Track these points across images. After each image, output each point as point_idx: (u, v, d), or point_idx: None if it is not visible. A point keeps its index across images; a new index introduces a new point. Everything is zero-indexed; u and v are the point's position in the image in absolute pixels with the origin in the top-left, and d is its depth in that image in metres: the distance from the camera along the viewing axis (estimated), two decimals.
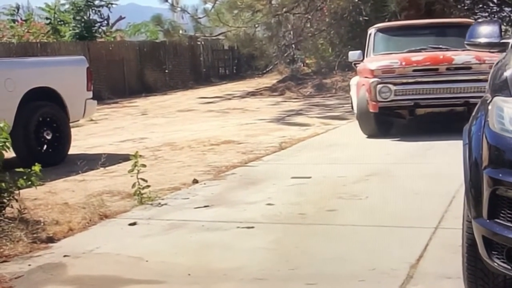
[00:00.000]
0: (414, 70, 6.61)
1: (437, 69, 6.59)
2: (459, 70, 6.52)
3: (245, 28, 14.72)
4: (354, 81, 8.06)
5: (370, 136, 6.87)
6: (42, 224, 3.85)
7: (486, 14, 14.63)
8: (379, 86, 6.51)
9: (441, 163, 5.25)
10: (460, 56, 6.57)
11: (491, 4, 14.81)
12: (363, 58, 7.62)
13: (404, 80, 6.55)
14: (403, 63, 6.68)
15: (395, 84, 6.51)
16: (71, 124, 6.85)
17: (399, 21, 9.10)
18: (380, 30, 7.63)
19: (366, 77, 6.88)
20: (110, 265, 3.21)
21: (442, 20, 8.29)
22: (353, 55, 7.75)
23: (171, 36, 16.57)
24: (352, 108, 8.10)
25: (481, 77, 6.01)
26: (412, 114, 6.81)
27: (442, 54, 6.85)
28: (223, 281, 2.89)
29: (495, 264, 2.06)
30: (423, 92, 6.54)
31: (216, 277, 2.94)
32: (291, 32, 15.33)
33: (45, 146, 6.37)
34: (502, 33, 2.89)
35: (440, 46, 7.17)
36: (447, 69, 6.58)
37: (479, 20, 12.80)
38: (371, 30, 7.83)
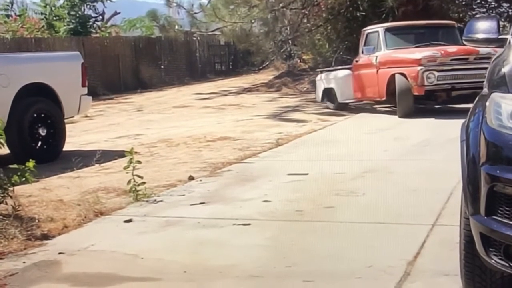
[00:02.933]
0: (452, 60, 8.07)
1: (467, 59, 8.03)
2: (483, 59, 7.64)
3: (242, 24, 14.66)
4: (319, 77, 10.34)
5: (406, 116, 8.15)
6: (36, 221, 3.83)
7: (484, 9, 14.62)
8: (426, 72, 7.90)
9: (439, 159, 5.25)
10: (483, 49, 7.55)
11: (489, 0, 14.80)
12: (360, 54, 9.36)
13: (444, 68, 7.99)
14: (443, 53, 8.15)
15: (438, 71, 7.95)
16: (65, 120, 6.80)
17: (400, 22, 10.18)
18: (387, 29, 9.15)
19: (407, 66, 8.18)
20: (105, 262, 3.19)
21: (434, 21, 9.78)
22: (368, 49, 9.17)
23: (167, 31, 16.49)
24: (323, 99, 10.24)
25: (482, 66, 7.37)
26: (449, 96, 8.20)
27: (469, 47, 7.97)
28: (219, 278, 2.88)
29: (493, 261, 2.05)
30: (458, 77, 7.99)
31: (212, 274, 2.93)
32: (288, 28, 15.27)
33: (39, 143, 6.33)
34: (500, 28, 2.87)
35: (440, 42, 8.85)
36: (475, 59, 7.97)
37: (477, 15, 12.82)
38: (375, 30, 9.33)
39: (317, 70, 11.28)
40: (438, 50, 8.31)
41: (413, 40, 8.98)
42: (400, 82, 8.20)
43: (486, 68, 7.29)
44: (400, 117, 8.21)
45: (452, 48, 8.31)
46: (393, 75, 8.37)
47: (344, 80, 9.72)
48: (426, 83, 7.92)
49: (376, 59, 8.86)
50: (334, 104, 9.92)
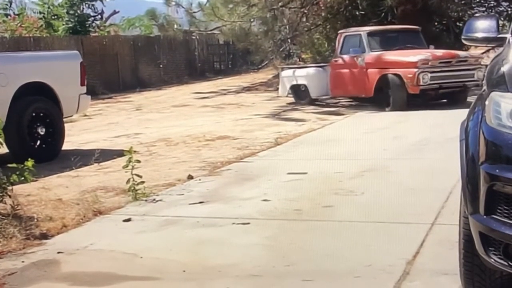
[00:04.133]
0: (440, 62, 9.20)
1: (451, 62, 9.29)
2: (462, 62, 9.27)
3: (241, 23, 14.66)
4: (285, 73, 11.16)
5: (400, 110, 9.04)
6: (35, 220, 3.82)
7: (483, 8, 14.62)
8: (422, 74, 8.95)
9: (438, 158, 5.25)
10: (462, 53, 9.57)
11: None
12: (338, 54, 10.33)
13: (435, 69, 9.08)
14: (433, 57, 9.27)
15: (430, 72, 9.01)
16: (64, 120, 6.80)
17: (379, 26, 11.14)
18: (369, 33, 10.06)
19: (402, 68, 9.17)
20: (104, 261, 3.19)
21: (405, 26, 10.83)
22: (356, 51, 9.94)
23: (166, 30, 16.48)
24: (292, 94, 11.00)
25: (471, 67, 9.28)
26: (437, 94, 9.38)
27: (451, 51, 9.72)
28: (219, 278, 2.87)
29: (492, 260, 2.05)
30: (444, 77, 9.14)
31: (211, 273, 2.92)
32: (287, 27, 15.25)
33: (38, 142, 6.33)
34: (499, 27, 2.87)
35: (411, 45, 9.94)
36: (456, 61, 9.28)
37: (476, 14, 12.80)
38: (356, 33, 10.19)
39: (279, 67, 12.02)
40: (428, 54, 9.37)
41: (390, 43, 9.96)
42: (394, 82, 9.19)
43: (464, 70, 8.45)
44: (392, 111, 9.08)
45: (439, 52, 9.52)
46: (384, 75, 9.34)
47: (316, 77, 10.55)
48: (421, 83, 8.96)
49: (362, 60, 9.73)
50: (304, 99, 10.71)
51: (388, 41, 9.99)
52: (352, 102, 10.60)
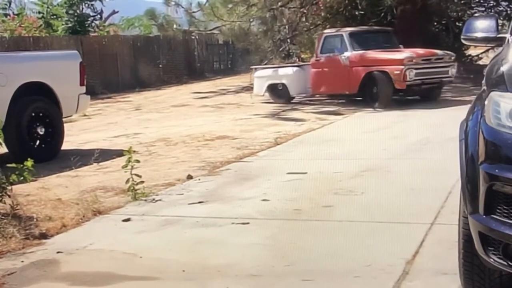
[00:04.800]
0: (422, 60, 9.81)
1: (431, 59, 9.99)
2: (439, 60, 10.06)
3: (240, 23, 14.65)
4: (260, 73, 11.64)
5: (385, 107, 9.52)
6: (35, 220, 3.82)
7: (483, 8, 14.62)
8: (408, 70, 9.54)
9: (437, 158, 5.25)
10: (439, 51, 10.32)
11: None
12: (318, 53, 10.81)
13: (418, 66, 9.71)
14: (416, 55, 9.84)
15: (415, 69, 9.63)
16: (64, 119, 6.79)
17: (357, 27, 11.56)
18: (350, 34, 10.58)
19: (389, 65, 9.71)
20: (104, 261, 3.19)
21: (380, 27, 11.74)
22: (340, 50, 10.52)
23: (165, 30, 16.47)
24: (269, 93, 11.47)
25: (446, 64, 10.08)
26: (420, 89, 9.99)
27: (430, 49, 10.36)
28: (218, 277, 2.87)
29: (491, 260, 2.05)
30: (426, 74, 9.78)
31: (211, 273, 2.92)
32: (286, 27, 15.25)
33: (37, 142, 6.32)
34: (499, 27, 2.87)
35: (387, 44, 10.64)
36: (435, 59, 10.03)
37: (476, 14, 12.80)
38: (337, 34, 10.75)
39: (252, 67, 12.45)
40: (411, 52, 9.99)
41: (369, 43, 10.52)
42: (381, 78, 9.76)
43: (441, 67, 9.25)
44: (379, 108, 9.52)
45: (421, 51, 10.14)
46: (369, 73, 9.89)
47: (295, 76, 11.08)
48: (407, 79, 9.58)
49: (346, 59, 10.25)
50: (281, 98, 11.17)
51: (366, 41, 10.58)
52: (333, 100, 10.98)
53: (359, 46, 10.37)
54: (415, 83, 9.73)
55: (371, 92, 9.87)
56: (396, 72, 9.59)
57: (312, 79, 10.84)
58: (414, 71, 9.60)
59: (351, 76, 10.17)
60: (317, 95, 11.26)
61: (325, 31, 11.37)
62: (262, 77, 11.61)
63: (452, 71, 10.02)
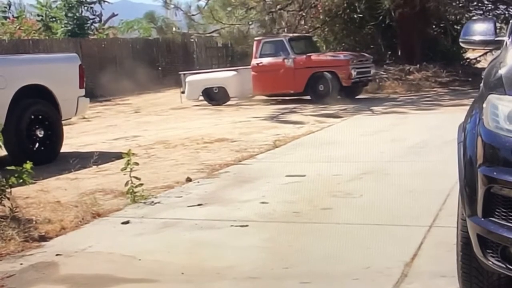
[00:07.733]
0: (357, 61, 11.67)
1: (362, 60, 11.84)
2: (365, 61, 11.91)
3: (239, 26, 14.69)
4: (192, 78, 12.50)
5: (334, 103, 10.80)
6: (34, 222, 3.82)
7: (481, 11, 14.66)
8: (353, 70, 11.33)
9: (436, 161, 5.26)
10: (365, 54, 12.40)
11: (485, 2, 14.83)
12: (258, 58, 12.00)
13: (357, 66, 11.55)
14: (353, 57, 11.74)
15: (356, 68, 11.47)
16: (63, 122, 6.79)
17: (291, 34, 13.17)
18: (289, 40, 12.00)
19: (336, 66, 11.36)
20: (103, 264, 3.19)
21: (304, 34, 13.69)
22: (285, 54, 11.93)
23: (164, 33, 16.49)
24: (204, 96, 12.37)
25: (369, 65, 11.92)
26: (358, 86, 11.83)
27: (360, 52, 12.69)
28: (217, 280, 2.88)
29: (490, 262, 2.05)
30: (360, 73, 11.57)
31: (210, 275, 2.93)
32: (285, 30, 15.30)
33: (37, 144, 6.32)
34: (497, 30, 2.88)
35: (313, 49, 12.51)
36: (364, 60, 11.88)
37: (474, 17, 12.82)
38: (277, 39, 12.19)
39: (180, 73, 13.27)
40: (350, 54, 11.82)
41: (301, 47, 12.05)
42: (329, 78, 11.26)
43: (366, 67, 10.84)
44: (330, 104, 10.69)
45: (355, 54, 12.10)
46: (315, 73, 11.33)
47: (234, 79, 12.06)
48: (352, 77, 11.25)
49: (291, 61, 11.58)
50: (218, 101, 12.07)
51: (299, 46, 12.06)
52: (273, 100, 11.82)
53: (297, 50, 11.77)
54: (356, 81, 11.43)
55: (317, 90, 11.38)
56: (343, 71, 11.20)
57: (254, 81, 11.76)
58: (356, 70, 11.33)
59: (296, 76, 11.48)
60: (257, 95, 12.17)
61: (260, 37, 12.54)
62: (195, 81, 12.35)
63: (373, 71, 11.98)
